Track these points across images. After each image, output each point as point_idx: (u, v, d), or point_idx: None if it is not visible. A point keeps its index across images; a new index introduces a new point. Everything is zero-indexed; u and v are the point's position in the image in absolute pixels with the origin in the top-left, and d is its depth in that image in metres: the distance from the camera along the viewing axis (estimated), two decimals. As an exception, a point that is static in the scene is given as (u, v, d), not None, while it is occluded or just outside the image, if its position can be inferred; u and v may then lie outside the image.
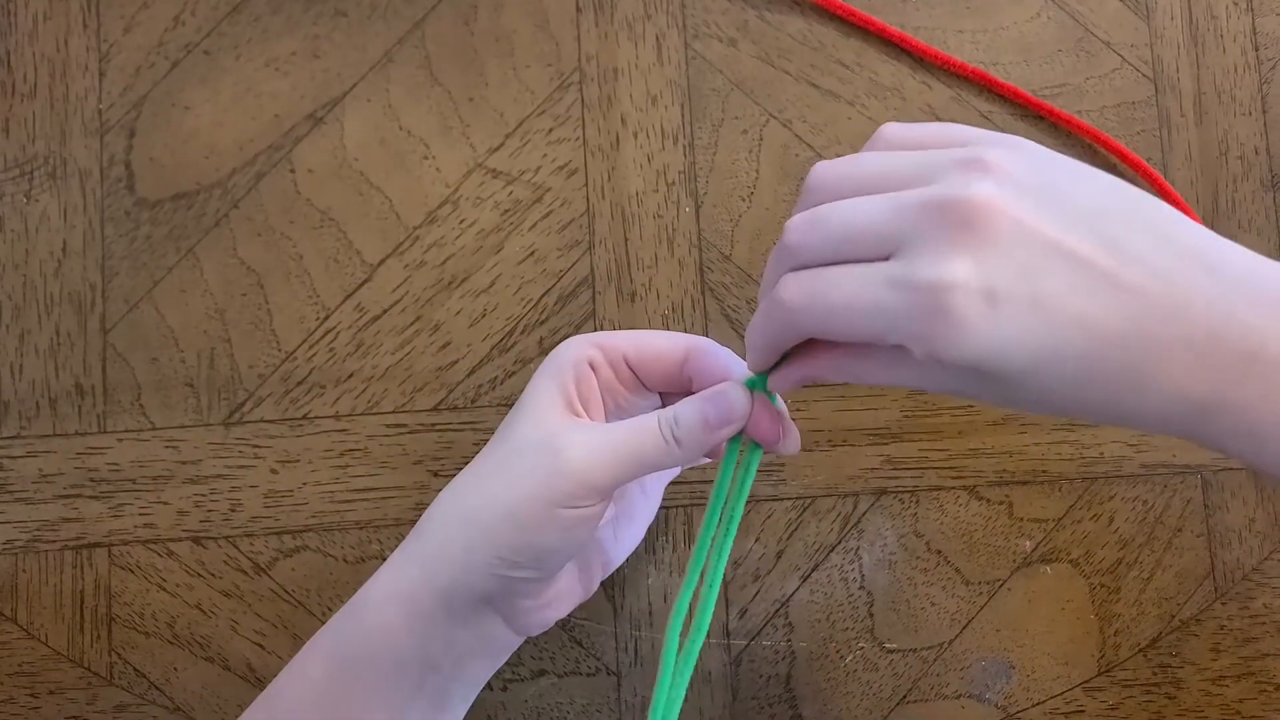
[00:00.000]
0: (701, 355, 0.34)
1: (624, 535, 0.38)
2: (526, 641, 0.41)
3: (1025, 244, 0.27)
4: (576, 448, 0.32)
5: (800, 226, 0.29)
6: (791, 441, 0.34)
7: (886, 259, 0.28)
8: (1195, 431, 0.27)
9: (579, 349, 0.34)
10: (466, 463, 0.35)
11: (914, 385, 0.29)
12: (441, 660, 0.34)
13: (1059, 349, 0.27)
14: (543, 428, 0.33)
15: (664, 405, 0.35)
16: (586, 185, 0.44)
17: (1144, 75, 0.45)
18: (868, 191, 0.29)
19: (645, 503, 0.39)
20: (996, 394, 0.28)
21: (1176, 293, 0.27)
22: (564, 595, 0.36)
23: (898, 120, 0.45)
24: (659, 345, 0.35)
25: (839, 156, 0.44)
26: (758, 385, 0.33)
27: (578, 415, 0.34)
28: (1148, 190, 0.45)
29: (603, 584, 0.42)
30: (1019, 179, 0.27)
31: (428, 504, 0.35)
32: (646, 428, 0.32)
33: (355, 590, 0.35)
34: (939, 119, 0.45)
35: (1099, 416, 0.28)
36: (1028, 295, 0.26)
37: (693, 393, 0.34)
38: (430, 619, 0.33)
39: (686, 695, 0.41)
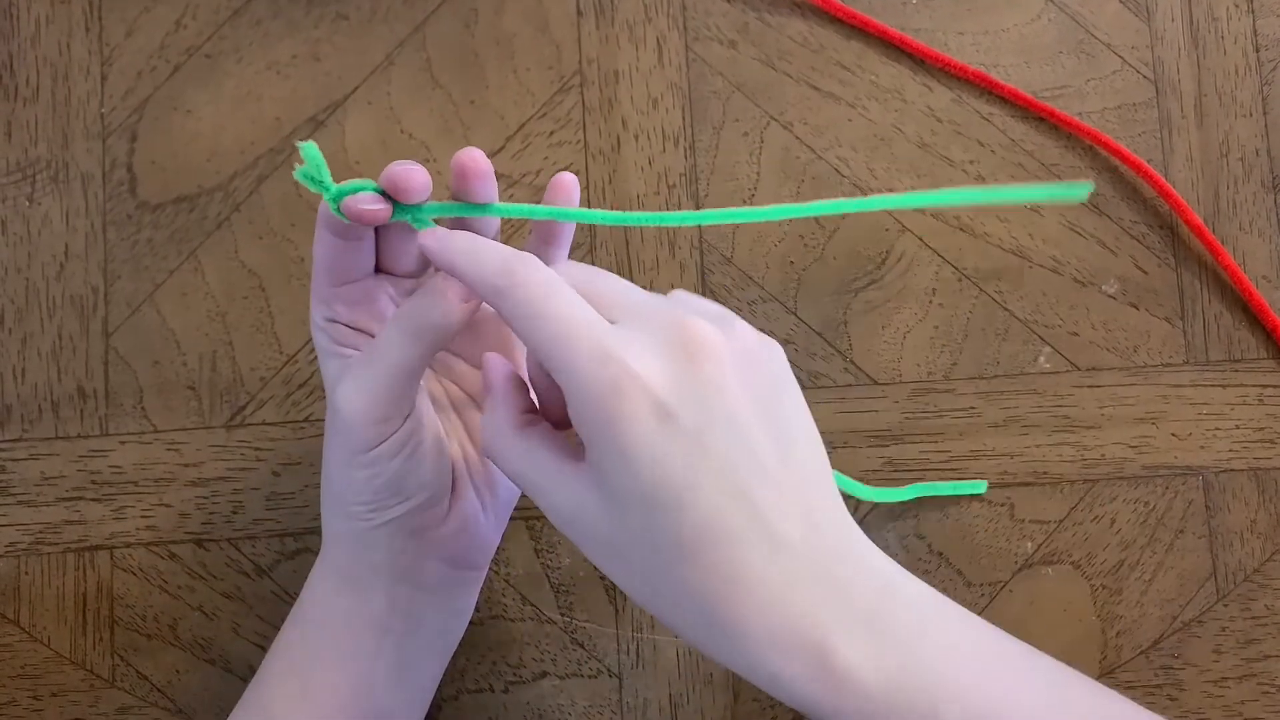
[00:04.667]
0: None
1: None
2: (528, 643, 0.41)
3: (725, 399, 0.28)
4: (339, 389, 0.32)
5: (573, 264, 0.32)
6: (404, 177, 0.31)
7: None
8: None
9: (315, 313, 0.34)
10: (467, 465, 0.36)
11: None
12: (390, 620, 0.34)
13: (680, 511, 0.27)
14: (328, 388, 0.33)
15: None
16: (588, 188, 0.44)
17: (1145, 77, 0.45)
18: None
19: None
20: (567, 501, 0.29)
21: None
22: (470, 506, 0.35)
23: (898, 121, 0.45)
24: (323, 257, 0.33)
25: (838, 159, 0.45)
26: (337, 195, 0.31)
27: (347, 354, 0.33)
28: (1149, 192, 0.45)
29: (605, 586, 0.42)
30: (750, 350, 0.30)
31: (429, 506, 0.35)
32: (379, 337, 0.32)
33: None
34: (940, 121, 0.45)
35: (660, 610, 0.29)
36: (695, 443, 0.27)
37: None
38: (359, 587, 0.34)
39: (689, 697, 0.41)
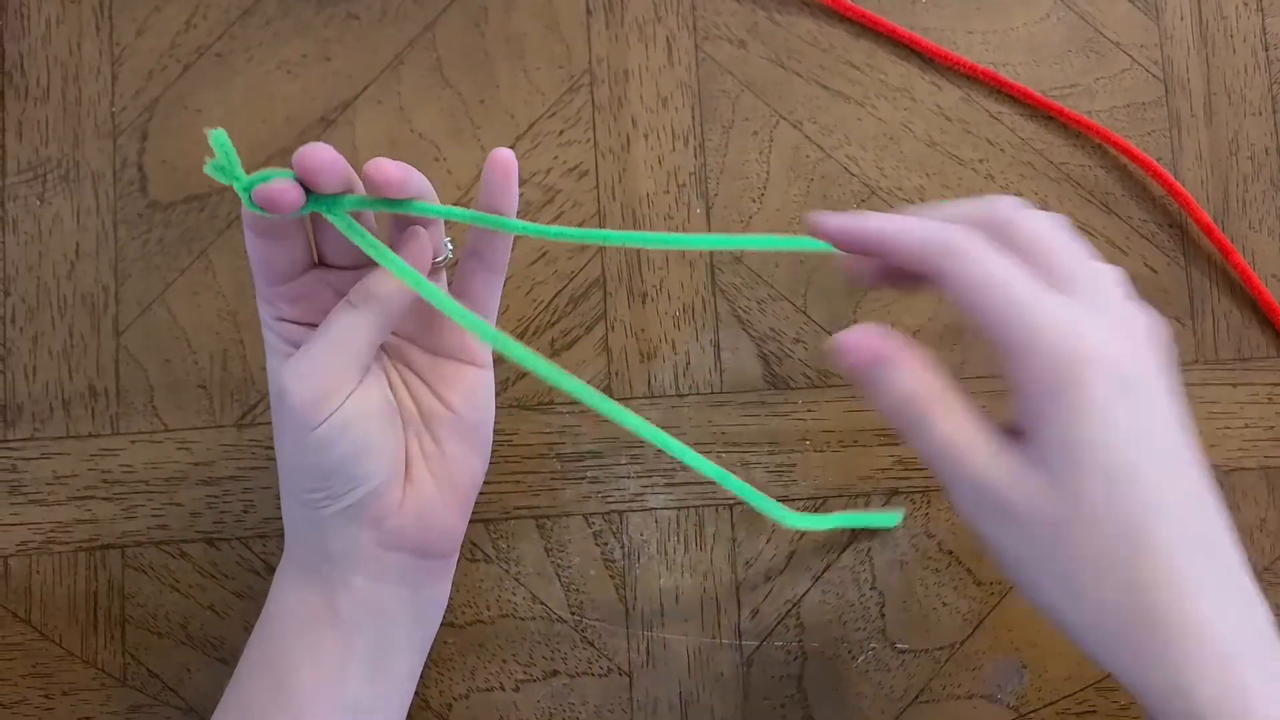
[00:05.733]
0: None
1: (455, 396, 0.37)
2: (538, 642, 0.41)
3: (1167, 391, 0.28)
4: (284, 371, 0.32)
5: (1018, 209, 0.30)
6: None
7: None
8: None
9: (262, 312, 0.34)
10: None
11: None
12: (357, 613, 0.34)
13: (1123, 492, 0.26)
14: (272, 382, 0.34)
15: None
16: (597, 187, 0.44)
17: (1154, 76, 0.45)
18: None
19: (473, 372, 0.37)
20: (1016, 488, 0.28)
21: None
22: (425, 493, 0.35)
23: (907, 120, 0.45)
24: (254, 258, 0.34)
25: (847, 158, 0.44)
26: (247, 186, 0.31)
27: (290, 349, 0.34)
28: (1158, 191, 0.45)
29: (615, 585, 0.42)
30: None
31: (441, 505, 0.35)
32: (332, 316, 0.33)
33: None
34: (949, 120, 0.45)
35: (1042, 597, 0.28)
36: (1149, 420, 0.27)
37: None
38: (321, 581, 0.34)
39: (699, 695, 0.41)
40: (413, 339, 0.37)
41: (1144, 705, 0.27)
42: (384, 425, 0.34)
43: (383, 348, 0.37)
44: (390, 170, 0.32)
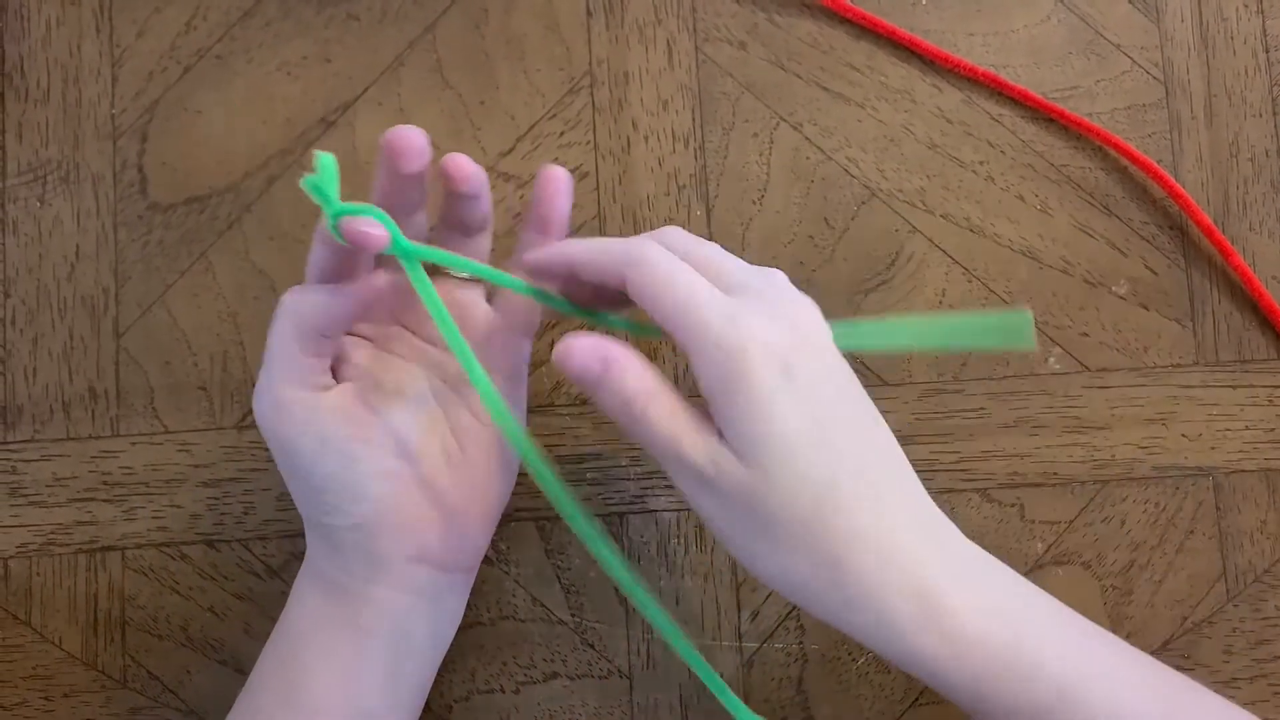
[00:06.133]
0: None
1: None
2: (539, 644, 0.41)
3: (828, 368, 0.31)
4: (258, 403, 0.34)
5: (682, 233, 0.33)
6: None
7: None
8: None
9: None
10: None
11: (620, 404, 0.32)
12: (378, 625, 0.35)
13: (810, 466, 0.30)
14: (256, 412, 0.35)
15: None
16: (598, 189, 0.44)
17: (1154, 78, 0.45)
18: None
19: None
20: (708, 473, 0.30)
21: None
22: (452, 508, 0.36)
23: (908, 122, 0.45)
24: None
25: (847, 160, 0.45)
26: (336, 214, 0.32)
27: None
28: (1159, 193, 0.45)
29: (614, 586, 0.42)
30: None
31: (442, 507, 0.35)
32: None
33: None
34: (950, 122, 0.45)
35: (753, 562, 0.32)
36: (812, 398, 0.30)
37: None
38: (343, 592, 0.34)
39: (699, 698, 0.41)
40: (446, 349, 0.37)
41: (860, 641, 0.31)
42: (373, 436, 0.34)
43: (416, 357, 0.37)
44: (466, 167, 0.35)
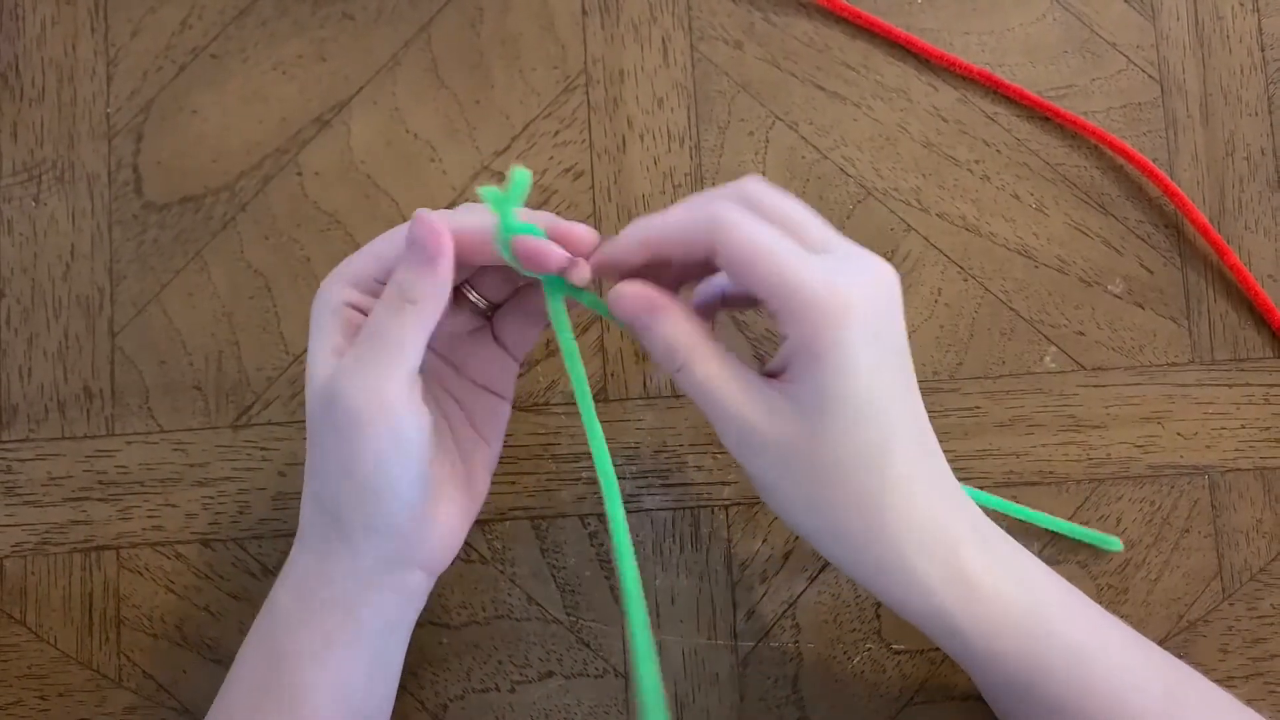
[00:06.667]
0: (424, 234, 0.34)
1: (487, 421, 0.38)
2: (534, 643, 0.41)
3: (902, 335, 0.32)
4: (345, 385, 0.32)
5: (763, 186, 0.33)
6: (574, 270, 0.33)
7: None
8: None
9: (333, 295, 0.34)
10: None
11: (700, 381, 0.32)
12: (374, 624, 0.35)
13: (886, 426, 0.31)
14: (320, 388, 0.33)
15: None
16: (593, 188, 0.44)
17: (1150, 76, 0.45)
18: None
19: (489, 399, 0.38)
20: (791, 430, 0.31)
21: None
22: (456, 511, 0.35)
23: (903, 121, 0.45)
24: (391, 250, 0.34)
25: (843, 159, 0.45)
26: (507, 229, 0.32)
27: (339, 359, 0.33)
28: (1154, 192, 0.45)
29: (610, 585, 0.42)
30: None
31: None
32: (376, 318, 0.32)
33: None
34: (945, 121, 0.45)
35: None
36: (891, 364, 0.31)
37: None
38: (344, 593, 0.34)
39: (695, 696, 0.41)
40: (459, 367, 0.37)
41: (888, 605, 0.33)
42: (430, 445, 0.33)
43: (428, 373, 0.36)
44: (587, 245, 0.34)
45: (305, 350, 0.43)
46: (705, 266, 0.33)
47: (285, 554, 0.42)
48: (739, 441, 0.32)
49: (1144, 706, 0.32)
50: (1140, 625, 0.42)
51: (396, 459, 0.32)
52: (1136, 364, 0.44)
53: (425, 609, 0.37)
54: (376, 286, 0.34)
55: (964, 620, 0.31)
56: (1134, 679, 0.32)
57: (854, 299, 0.30)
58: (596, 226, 0.44)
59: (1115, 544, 0.42)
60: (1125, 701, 0.32)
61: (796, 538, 0.42)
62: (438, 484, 0.34)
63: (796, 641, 0.42)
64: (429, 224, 0.32)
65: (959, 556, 0.32)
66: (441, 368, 0.37)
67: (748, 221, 0.31)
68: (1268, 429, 0.43)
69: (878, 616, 0.42)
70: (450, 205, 0.44)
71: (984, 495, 0.41)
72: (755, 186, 0.32)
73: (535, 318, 0.37)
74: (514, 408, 0.43)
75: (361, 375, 0.32)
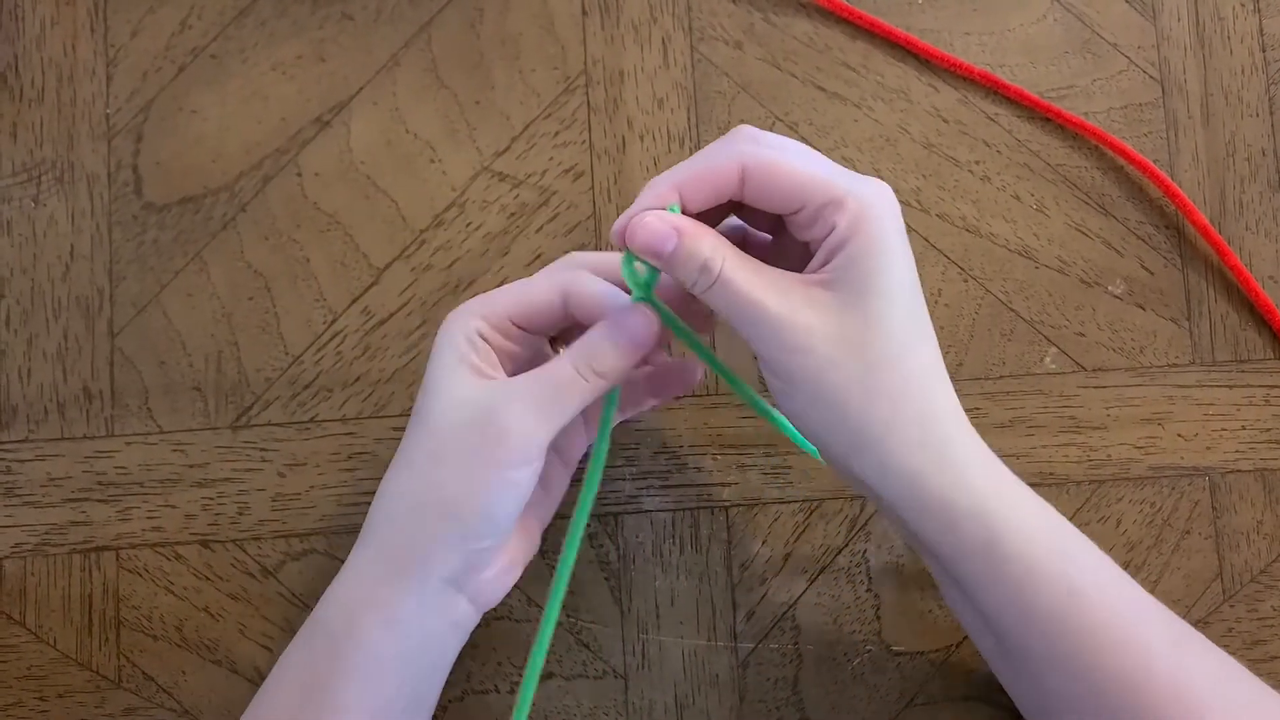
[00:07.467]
0: (579, 294, 0.35)
1: (554, 482, 0.39)
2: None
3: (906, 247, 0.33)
4: (508, 410, 0.33)
5: (757, 129, 0.34)
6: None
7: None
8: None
9: (467, 322, 0.35)
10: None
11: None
12: (419, 655, 0.35)
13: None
14: (466, 402, 0.33)
15: (553, 347, 0.38)
16: (593, 188, 0.44)
17: (1151, 77, 0.45)
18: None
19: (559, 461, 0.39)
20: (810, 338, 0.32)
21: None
22: (516, 557, 0.37)
23: (904, 122, 0.45)
24: (537, 297, 0.35)
25: (843, 160, 0.44)
26: (644, 298, 0.34)
27: (490, 380, 0.34)
28: (1155, 193, 0.45)
29: (610, 587, 0.42)
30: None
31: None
32: (563, 372, 0.33)
33: (363, 594, 0.35)
34: (946, 121, 0.45)
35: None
36: (912, 262, 0.33)
37: (581, 327, 0.35)
38: (402, 619, 0.34)
39: (694, 698, 0.41)
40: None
41: (925, 504, 0.32)
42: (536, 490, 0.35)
43: None
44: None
45: (304, 350, 0.43)
46: (720, 212, 0.34)
47: (285, 555, 0.42)
48: (783, 345, 0.31)
49: (1155, 634, 0.33)
50: (1140, 627, 0.42)
51: (513, 495, 0.33)
52: (1137, 365, 0.44)
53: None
54: (508, 326, 0.35)
55: (998, 521, 0.32)
56: (1151, 614, 0.34)
57: (885, 192, 0.32)
58: (596, 228, 0.44)
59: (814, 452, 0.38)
60: (1147, 621, 0.33)
61: (796, 538, 0.42)
62: (515, 528, 0.36)
63: (796, 643, 0.42)
64: (652, 326, 0.34)
65: (963, 447, 0.33)
66: None
67: (770, 141, 0.32)
68: (1268, 430, 0.43)
69: (878, 618, 0.42)
70: (449, 206, 0.44)
71: None
72: (753, 129, 0.33)
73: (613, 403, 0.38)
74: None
75: (530, 412, 0.33)
